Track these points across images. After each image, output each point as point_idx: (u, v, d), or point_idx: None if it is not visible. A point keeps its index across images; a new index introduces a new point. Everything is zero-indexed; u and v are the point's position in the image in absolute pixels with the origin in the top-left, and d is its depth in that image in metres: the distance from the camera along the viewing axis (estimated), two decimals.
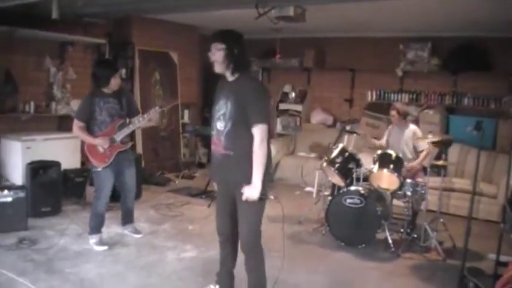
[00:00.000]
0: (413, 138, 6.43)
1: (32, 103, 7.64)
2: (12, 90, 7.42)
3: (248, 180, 3.71)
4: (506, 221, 5.26)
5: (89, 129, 5.42)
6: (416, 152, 6.45)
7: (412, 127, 6.57)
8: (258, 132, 3.68)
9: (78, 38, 8.13)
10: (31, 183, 6.48)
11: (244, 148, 3.73)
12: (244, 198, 3.73)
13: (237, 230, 4.03)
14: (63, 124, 8.04)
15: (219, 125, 3.83)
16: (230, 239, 4.18)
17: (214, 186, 4.35)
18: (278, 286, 4.43)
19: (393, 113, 6.52)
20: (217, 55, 3.80)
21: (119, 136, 5.47)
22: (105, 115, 5.41)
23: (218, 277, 4.38)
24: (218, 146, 3.86)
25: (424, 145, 6.32)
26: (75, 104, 7.85)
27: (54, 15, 5.45)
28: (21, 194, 5.96)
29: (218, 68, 3.86)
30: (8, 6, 5.89)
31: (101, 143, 5.35)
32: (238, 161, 3.79)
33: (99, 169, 5.44)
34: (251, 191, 3.69)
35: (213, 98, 4.03)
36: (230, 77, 3.88)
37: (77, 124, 5.39)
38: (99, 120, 5.40)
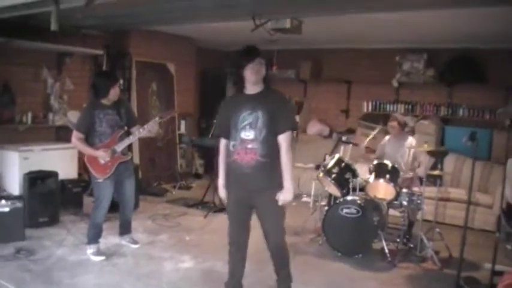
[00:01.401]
0: (411, 149, 6.46)
1: (30, 114, 7.66)
2: (9, 101, 7.44)
3: (278, 185, 4.06)
4: (501, 230, 5.31)
5: (90, 141, 5.44)
6: (413, 163, 6.47)
7: (410, 138, 6.61)
8: (286, 139, 4.04)
9: (75, 49, 8.16)
10: (28, 193, 6.49)
11: (276, 155, 4.05)
12: (280, 203, 4.03)
13: (248, 238, 4.27)
14: (60, 135, 8.06)
15: (246, 134, 4.03)
16: (242, 248, 4.30)
17: (221, 196, 4.38)
18: None
19: (394, 124, 6.55)
20: (262, 69, 4.05)
21: (120, 147, 5.49)
22: (105, 126, 5.43)
23: (227, 287, 4.41)
24: (250, 154, 4.03)
25: (421, 158, 6.36)
26: (72, 115, 7.88)
27: (53, 27, 5.47)
28: (19, 204, 5.96)
29: (256, 80, 4.06)
30: (6, 17, 5.92)
31: (102, 156, 5.37)
32: (272, 166, 4.05)
33: (100, 180, 5.46)
34: (286, 195, 4.04)
35: (227, 109, 4.24)
36: (252, 90, 4.11)
37: (76, 136, 5.40)
38: (99, 132, 5.42)
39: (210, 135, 8.37)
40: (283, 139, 4.03)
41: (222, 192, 4.34)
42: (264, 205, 4.12)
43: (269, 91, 4.16)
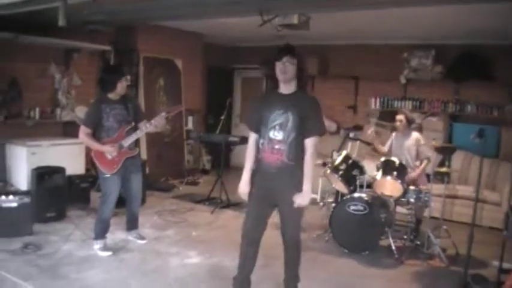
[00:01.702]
0: (416, 144, 6.44)
1: (37, 109, 7.68)
2: (17, 96, 7.46)
3: (301, 186, 4.07)
4: (508, 228, 5.28)
5: (97, 136, 5.45)
6: (418, 159, 6.46)
7: (415, 134, 6.57)
8: (313, 143, 4.06)
9: (83, 45, 8.18)
10: (36, 188, 6.52)
11: (302, 158, 4.07)
12: (296, 205, 4.03)
13: (262, 235, 4.30)
14: (68, 130, 8.08)
15: (275, 134, 4.06)
16: (255, 243, 4.31)
17: (240, 191, 4.33)
18: None
19: (401, 117, 6.53)
20: (290, 68, 4.04)
21: (127, 142, 5.50)
22: (112, 121, 5.43)
23: (236, 281, 4.41)
24: (275, 154, 4.07)
25: (427, 153, 6.34)
26: (80, 110, 7.90)
27: (61, 22, 5.47)
28: (26, 200, 5.99)
29: (285, 79, 4.07)
30: (14, 13, 5.93)
31: (109, 151, 5.37)
32: (297, 168, 4.07)
33: (108, 175, 5.47)
34: (303, 199, 4.05)
35: (259, 106, 4.26)
36: (285, 90, 4.12)
37: (84, 131, 5.41)
38: (106, 127, 5.43)
39: (217, 131, 8.42)
40: (310, 143, 4.05)
41: (242, 187, 4.30)
42: (286, 204, 4.13)
43: (303, 93, 4.17)
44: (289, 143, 4.02)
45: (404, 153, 6.48)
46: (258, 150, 4.23)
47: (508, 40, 8.03)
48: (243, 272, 4.35)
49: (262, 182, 4.21)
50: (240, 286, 4.37)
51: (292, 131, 4.01)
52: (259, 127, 4.21)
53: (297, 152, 4.05)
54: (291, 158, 4.04)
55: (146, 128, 5.60)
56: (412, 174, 6.27)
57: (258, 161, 4.24)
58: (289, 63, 4.02)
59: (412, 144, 6.48)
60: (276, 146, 4.05)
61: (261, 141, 4.16)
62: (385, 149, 6.81)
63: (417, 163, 6.46)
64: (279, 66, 4.04)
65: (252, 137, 4.32)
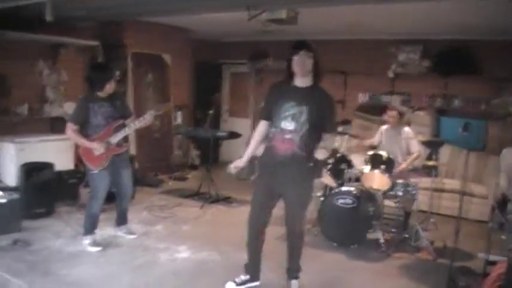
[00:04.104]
0: (407, 139, 6.48)
1: (25, 105, 7.64)
2: (5, 92, 7.42)
3: (310, 178, 4.37)
4: (494, 220, 5.34)
5: (84, 132, 5.43)
6: (408, 153, 6.50)
7: (406, 128, 6.61)
8: (330, 140, 4.33)
9: (70, 41, 8.13)
10: (25, 184, 6.51)
11: (313, 150, 4.18)
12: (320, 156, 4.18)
13: (268, 223, 4.49)
14: (56, 126, 8.03)
15: (287, 124, 4.16)
16: (262, 231, 4.49)
17: (232, 165, 4.50)
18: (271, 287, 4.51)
19: (393, 113, 6.56)
20: (307, 62, 4.13)
21: (115, 139, 5.50)
22: (100, 119, 5.43)
23: (247, 268, 4.60)
24: (287, 144, 4.17)
25: (416, 147, 6.38)
26: (68, 106, 7.86)
27: (49, 18, 5.47)
28: (15, 196, 5.99)
29: (302, 72, 4.16)
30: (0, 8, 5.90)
31: (97, 147, 5.37)
32: (308, 160, 4.19)
33: (95, 171, 5.47)
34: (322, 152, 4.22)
35: (274, 96, 4.35)
36: (301, 83, 4.22)
37: (71, 127, 5.39)
38: (94, 124, 5.42)
39: (205, 126, 8.42)
40: (327, 138, 4.23)
41: (236, 162, 4.48)
42: (293, 195, 4.30)
43: (318, 89, 4.26)
44: (301, 135, 4.12)
45: (395, 147, 6.51)
46: (267, 138, 4.35)
47: (495, 35, 8.09)
48: (253, 261, 4.57)
49: (270, 171, 4.32)
50: (252, 271, 4.59)
51: (305, 123, 4.11)
52: (270, 117, 4.32)
53: (308, 143, 4.15)
54: (303, 148, 4.14)
55: (135, 125, 5.60)
56: (402, 165, 6.30)
57: (267, 149, 4.34)
58: (307, 56, 4.11)
59: (404, 138, 6.51)
60: (287, 136, 4.15)
61: (273, 129, 4.27)
62: (375, 142, 6.83)
63: (407, 157, 6.49)
64: (296, 59, 4.12)
65: (261, 124, 4.45)
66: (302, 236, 4.51)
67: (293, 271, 4.57)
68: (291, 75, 4.21)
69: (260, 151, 4.44)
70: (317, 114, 4.12)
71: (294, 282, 4.58)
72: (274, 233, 5.25)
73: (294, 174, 4.20)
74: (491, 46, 8.34)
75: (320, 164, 4.48)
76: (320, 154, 4.15)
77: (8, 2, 5.64)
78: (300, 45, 4.16)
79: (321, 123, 4.14)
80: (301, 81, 4.20)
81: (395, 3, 6.04)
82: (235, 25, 7.46)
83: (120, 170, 5.67)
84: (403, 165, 6.30)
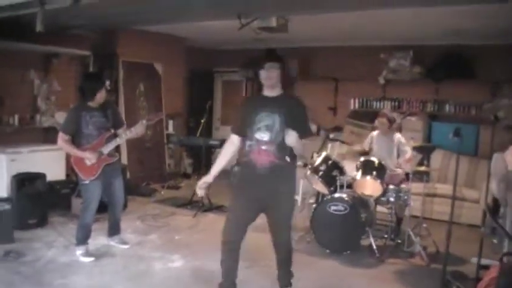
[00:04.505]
0: (399, 144, 6.50)
1: (17, 116, 7.64)
2: None
3: (290, 188, 4.32)
4: (486, 225, 5.36)
5: (76, 142, 5.43)
6: (398, 160, 6.51)
7: (398, 135, 6.64)
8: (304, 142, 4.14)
9: (62, 50, 8.13)
10: (17, 195, 6.48)
11: (293, 157, 4.17)
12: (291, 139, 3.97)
13: (243, 238, 4.30)
14: (48, 136, 8.03)
15: (262, 135, 4.10)
16: (237, 248, 4.30)
17: (199, 184, 4.41)
18: None
19: (383, 120, 6.55)
20: (274, 75, 4.10)
21: (107, 149, 5.50)
22: (92, 129, 5.43)
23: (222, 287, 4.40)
24: (265, 155, 4.10)
25: (409, 151, 6.40)
26: (59, 116, 7.85)
27: (39, 28, 5.46)
28: (7, 207, 5.94)
29: (271, 85, 4.14)
30: None
31: (89, 157, 5.36)
32: (287, 169, 4.19)
33: (87, 182, 5.46)
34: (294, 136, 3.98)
35: (246, 110, 4.31)
36: (270, 93, 4.19)
37: (62, 137, 5.39)
38: (86, 134, 5.42)
39: (198, 134, 8.42)
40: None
41: (206, 178, 4.38)
42: (276, 207, 4.21)
43: (288, 96, 4.33)
44: (277, 144, 4.06)
45: (385, 153, 6.53)
46: (244, 153, 4.25)
47: (486, 40, 8.16)
48: (228, 279, 4.34)
49: (250, 185, 4.24)
50: None
51: (280, 132, 4.04)
52: (242, 130, 4.27)
53: (286, 151, 4.09)
54: (280, 157, 4.08)
55: (126, 135, 5.62)
56: (402, 164, 6.30)
57: (245, 163, 4.25)
58: (273, 69, 4.08)
59: (395, 144, 6.53)
60: (263, 147, 4.09)
61: (248, 143, 4.18)
62: (365, 147, 6.84)
63: (397, 163, 6.51)
64: (263, 74, 4.09)
65: (232, 137, 4.39)
66: (290, 247, 4.45)
67: (284, 279, 4.48)
68: (261, 86, 4.21)
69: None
70: (290, 122, 4.05)
71: None
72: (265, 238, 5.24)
73: (275, 186, 4.14)
74: (482, 50, 8.42)
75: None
76: (290, 138, 3.97)
77: None
78: (266, 58, 4.16)
79: (294, 129, 4.03)
80: (271, 91, 4.17)
81: (385, 8, 6.07)
82: (227, 33, 7.48)
83: (112, 180, 5.67)
84: (403, 165, 6.29)
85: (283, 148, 4.06)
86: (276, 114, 4.07)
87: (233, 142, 4.38)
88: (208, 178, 4.37)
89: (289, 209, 4.32)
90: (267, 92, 4.19)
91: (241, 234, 4.26)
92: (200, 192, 4.45)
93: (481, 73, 8.54)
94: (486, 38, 8.03)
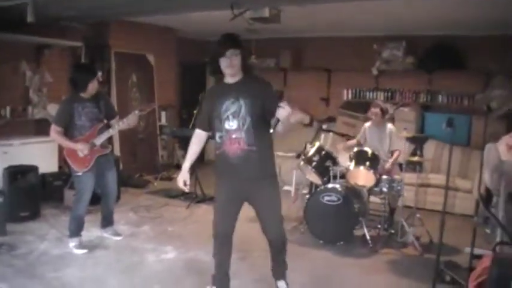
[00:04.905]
0: (390, 136, 6.51)
1: (8, 108, 7.58)
2: None
3: (270, 175, 4.13)
4: (478, 214, 5.37)
5: (69, 134, 5.41)
6: (391, 150, 6.52)
7: (390, 126, 6.64)
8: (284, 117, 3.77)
9: (54, 41, 8.07)
10: (9, 188, 6.46)
11: (266, 142, 4.04)
12: (281, 115, 3.70)
13: (234, 230, 4.20)
14: (40, 128, 7.98)
15: (229, 124, 3.95)
16: (228, 240, 4.23)
17: (179, 179, 4.27)
18: (259, 285, 4.49)
19: (376, 110, 6.53)
20: (235, 60, 3.90)
21: (99, 140, 5.48)
22: (84, 120, 5.41)
23: (214, 279, 4.35)
24: (235, 143, 3.96)
25: (399, 145, 6.42)
26: (52, 108, 7.81)
27: (30, 18, 5.43)
28: None
29: (232, 72, 3.95)
30: None
31: (81, 148, 5.34)
32: (261, 155, 4.00)
33: (80, 173, 5.44)
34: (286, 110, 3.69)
35: (209, 101, 4.16)
36: (231, 79, 4.01)
37: (54, 129, 5.37)
38: (78, 125, 5.40)
39: (190, 126, 8.39)
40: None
41: (182, 175, 4.25)
42: (259, 196, 4.08)
43: (250, 78, 4.07)
44: (245, 130, 3.92)
45: (378, 144, 6.54)
46: (216, 146, 4.11)
47: (478, 31, 8.16)
48: (221, 271, 4.30)
49: (226, 176, 4.13)
50: (219, 283, 4.33)
51: (246, 116, 3.90)
52: (206, 124, 4.19)
53: (258, 137, 3.94)
54: (251, 143, 3.93)
55: (119, 126, 5.60)
56: (387, 165, 6.32)
57: (218, 156, 4.11)
58: (234, 55, 3.89)
59: (387, 135, 6.54)
60: (233, 136, 3.95)
61: (218, 135, 4.04)
62: (360, 140, 6.84)
63: (389, 154, 6.52)
64: (224, 61, 3.90)
65: (197, 132, 4.29)
66: (284, 239, 4.29)
67: (278, 271, 4.39)
68: (221, 73, 4.03)
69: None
70: (256, 104, 3.89)
71: (281, 284, 4.42)
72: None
73: (251, 173, 4.00)
74: (475, 41, 8.44)
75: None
76: (281, 112, 3.68)
77: None
78: (225, 44, 3.93)
79: (263, 112, 3.89)
80: (231, 78, 4.00)
81: (377, 0, 6.06)
82: (220, 24, 7.41)
83: (105, 172, 5.65)
84: (388, 165, 6.31)
85: (253, 132, 3.92)
86: (241, 100, 3.92)
87: (200, 137, 4.29)
88: (184, 175, 4.24)
89: (273, 197, 4.14)
90: (229, 79, 4.03)
91: (229, 226, 4.18)
92: (185, 188, 4.30)
93: (473, 64, 8.54)
94: (478, 28, 8.04)
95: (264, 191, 4.08)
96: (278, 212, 4.19)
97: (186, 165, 4.26)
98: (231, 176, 4.08)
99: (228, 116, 3.95)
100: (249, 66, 4.11)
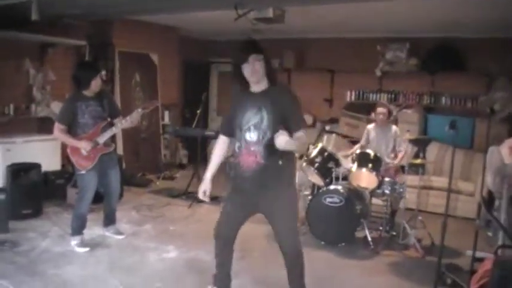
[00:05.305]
0: (396, 137, 6.51)
1: (12, 105, 7.59)
2: None
3: (287, 186, 3.93)
4: (481, 217, 5.36)
5: (72, 132, 5.41)
6: (394, 151, 6.52)
7: (394, 127, 6.64)
8: (302, 138, 3.70)
9: (58, 40, 8.08)
10: (12, 185, 6.47)
11: (284, 156, 3.78)
12: (279, 142, 3.54)
13: (237, 233, 4.11)
14: (43, 126, 7.99)
15: (250, 135, 3.80)
16: (231, 242, 4.16)
17: (200, 189, 4.15)
18: (258, 285, 4.49)
19: (383, 110, 6.52)
20: (257, 66, 3.71)
21: (102, 138, 5.48)
22: (87, 118, 5.41)
23: (215, 279, 4.31)
24: (252, 156, 3.80)
25: (403, 147, 6.41)
26: (55, 106, 7.82)
27: (34, 16, 5.43)
28: (2, 197, 5.93)
29: (256, 79, 3.77)
30: None
31: (84, 147, 5.35)
32: (276, 169, 3.81)
33: (83, 172, 5.45)
34: (284, 138, 3.53)
35: (233, 109, 4.00)
36: (256, 88, 3.83)
37: (58, 127, 5.37)
38: (82, 123, 5.40)
39: (193, 125, 8.41)
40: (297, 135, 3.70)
41: (202, 187, 4.14)
42: (271, 207, 3.91)
43: (275, 88, 3.86)
44: (264, 144, 3.73)
45: (382, 146, 6.53)
46: (234, 154, 4.01)
47: (481, 33, 8.16)
48: (222, 271, 4.26)
49: (239, 188, 4.02)
50: (220, 283, 4.29)
51: (267, 130, 3.72)
52: (230, 130, 4.04)
53: (274, 152, 3.67)
54: (267, 158, 3.75)
55: (122, 124, 5.59)
56: (395, 161, 6.31)
57: (234, 165, 4.00)
58: (257, 61, 3.70)
59: (391, 136, 6.54)
60: (252, 148, 3.79)
61: (237, 144, 3.91)
62: (363, 143, 6.84)
63: (392, 155, 6.52)
64: (247, 68, 3.71)
65: (220, 138, 4.21)
66: (300, 254, 4.06)
67: (294, 285, 4.14)
68: (246, 81, 3.81)
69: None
70: (279, 117, 3.69)
71: None
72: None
73: (263, 186, 3.84)
74: (478, 43, 8.44)
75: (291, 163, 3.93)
76: (278, 141, 3.54)
77: None
78: (247, 50, 3.74)
79: (289, 127, 3.66)
80: (256, 86, 3.81)
81: (381, 1, 6.06)
82: (223, 24, 7.43)
83: (108, 170, 5.66)
84: (396, 162, 6.30)
85: (271, 148, 3.67)
86: (263, 112, 3.74)
87: (223, 143, 4.20)
88: (206, 184, 4.13)
89: (287, 208, 3.94)
90: (253, 88, 3.83)
91: (232, 230, 4.11)
92: (205, 198, 4.17)
93: (476, 66, 8.54)
94: (481, 31, 8.04)
95: (278, 202, 3.89)
96: (293, 224, 4.00)
97: (208, 175, 4.15)
98: (241, 187, 3.98)
99: (249, 127, 3.81)
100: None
